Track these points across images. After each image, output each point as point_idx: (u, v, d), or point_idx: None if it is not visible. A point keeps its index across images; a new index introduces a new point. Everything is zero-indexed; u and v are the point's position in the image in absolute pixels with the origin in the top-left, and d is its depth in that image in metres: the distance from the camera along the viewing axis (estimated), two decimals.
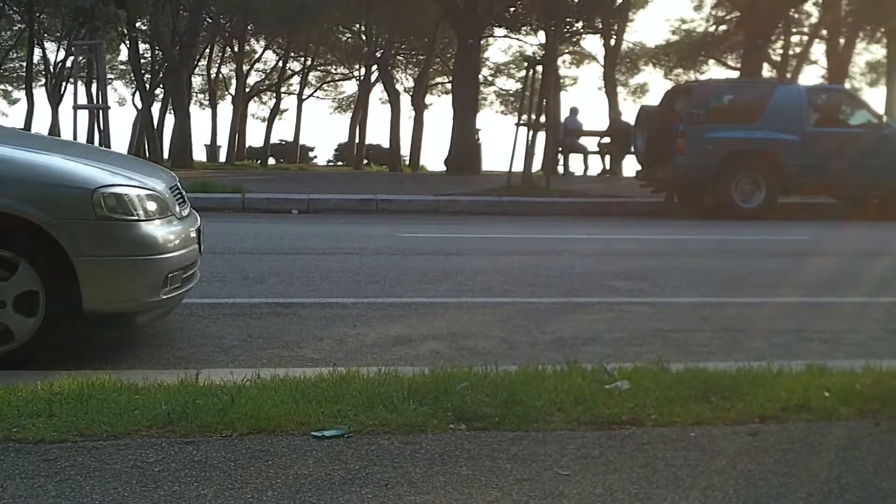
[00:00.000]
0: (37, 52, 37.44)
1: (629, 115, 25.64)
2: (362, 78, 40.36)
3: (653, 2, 65.55)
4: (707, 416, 3.43)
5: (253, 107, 46.04)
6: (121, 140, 37.42)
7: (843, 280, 7.35)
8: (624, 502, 2.72)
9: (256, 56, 42.44)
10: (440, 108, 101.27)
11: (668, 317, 5.82)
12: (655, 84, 56.24)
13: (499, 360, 4.19)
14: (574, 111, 23.09)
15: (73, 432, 3.12)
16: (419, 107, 35.96)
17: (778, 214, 12.85)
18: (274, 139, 43.50)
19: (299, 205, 13.10)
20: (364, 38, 35.99)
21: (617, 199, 14.47)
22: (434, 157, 64.93)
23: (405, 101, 37.59)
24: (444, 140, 43.75)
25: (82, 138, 18.54)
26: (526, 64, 17.09)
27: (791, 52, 31.29)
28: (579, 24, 26.41)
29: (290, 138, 43.71)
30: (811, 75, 57.82)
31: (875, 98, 58.28)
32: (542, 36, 28.77)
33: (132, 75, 33.47)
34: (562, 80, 35.28)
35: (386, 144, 36.71)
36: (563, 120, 22.84)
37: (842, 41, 25.91)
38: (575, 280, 7.17)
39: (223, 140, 40.14)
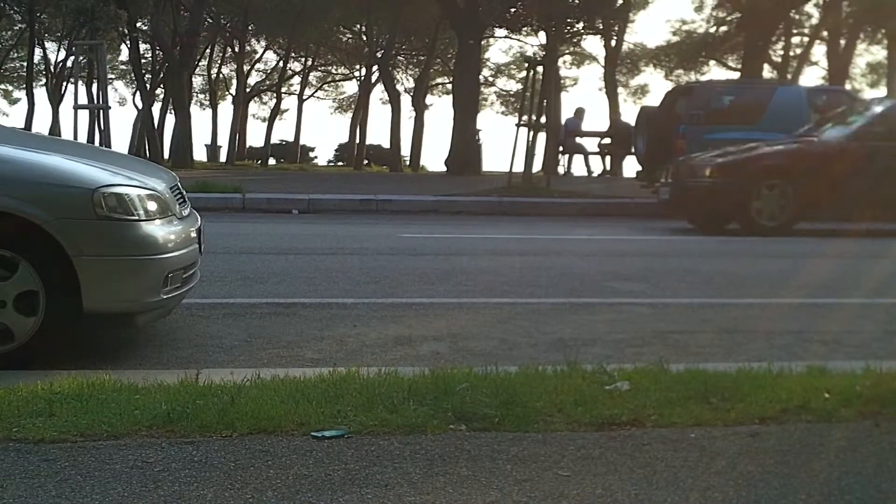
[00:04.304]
0: (37, 51, 37.49)
1: (630, 115, 25.65)
2: (363, 78, 40.43)
3: (653, 3, 65.52)
4: (707, 417, 3.43)
5: (253, 107, 46.13)
6: (121, 140, 37.48)
7: (844, 281, 7.35)
8: (624, 503, 2.72)
9: (257, 56, 42.53)
10: (441, 109, 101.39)
11: (668, 318, 5.82)
12: (656, 85, 56.32)
13: (499, 360, 4.19)
14: (578, 112, 22.98)
15: (73, 432, 3.12)
16: (420, 107, 35.99)
17: None
18: (274, 139, 43.57)
19: (300, 205, 13.10)
20: (364, 38, 36.03)
21: (617, 199, 14.47)
22: (434, 157, 64.96)
23: (406, 101, 37.67)
24: (444, 140, 43.84)
25: (83, 138, 18.55)
26: (526, 64, 17.10)
27: (792, 54, 31.33)
28: (580, 25, 26.37)
29: (291, 138, 43.75)
30: (812, 76, 57.87)
31: None
32: (542, 37, 28.75)
33: (133, 75, 33.50)
34: (562, 81, 35.31)
35: (386, 145, 36.73)
36: (564, 120, 22.81)
37: (842, 42, 25.94)
38: (575, 281, 7.17)
39: (223, 140, 40.21)
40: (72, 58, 28.36)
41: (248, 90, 41.67)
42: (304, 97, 44.75)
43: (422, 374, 3.78)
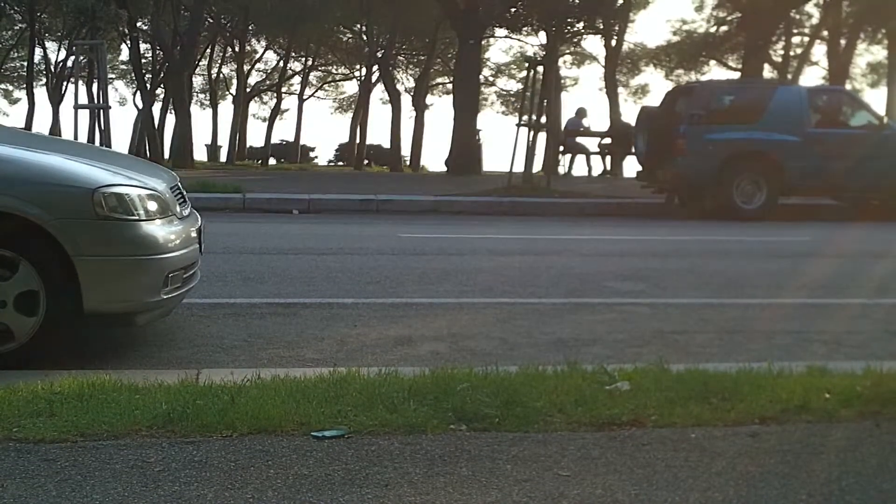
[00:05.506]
0: (38, 51, 37.46)
1: (630, 115, 25.62)
2: (363, 78, 40.37)
3: (654, 2, 65.47)
4: (707, 417, 3.44)
5: (254, 107, 46.10)
6: (121, 140, 37.45)
7: (844, 281, 7.35)
8: (624, 503, 2.72)
9: (257, 56, 42.51)
10: (441, 109, 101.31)
11: (668, 318, 5.82)
12: (656, 85, 56.26)
13: (499, 360, 4.19)
14: (580, 112, 22.95)
15: (73, 432, 3.12)
16: (420, 107, 35.96)
17: (778, 216, 12.84)
18: (275, 139, 43.52)
19: (300, 205, 13.10)
20: (365, 38, 35.99)
21: (618, 199, 14.47)
22: (435, 157, 64.85)
23: (406, 101, 37.62)
24: (444, 140, 43.73)
25: (83, 138, 18.54)
26: (527, 64, 17.08)
27: (792, 54, 31.28)
28: (580, 25, 26.37)
29: (291, 138, 43.71)
30: (812, 76, 57.86)
31: (876, 99, 58.27)
32: (542, 36, 28.75)
33: (133, 75, 33.48)
34: (563, 81, 35.28)
35: (387, 145, 36.71)
36: (565, 121, 22.79)
37: (843, 42, 25.92)
38: (575, 281, 7.17)
39: (224, 140, 40.21)
40: (72, 57, 28.40)
41: (248, 90, 41.66)
42: (305, 97, 44.74)
43: (422, 374, 3.79)
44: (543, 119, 15.97)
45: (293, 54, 40.47)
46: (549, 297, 6.43)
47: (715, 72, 33.70)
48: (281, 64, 41.67)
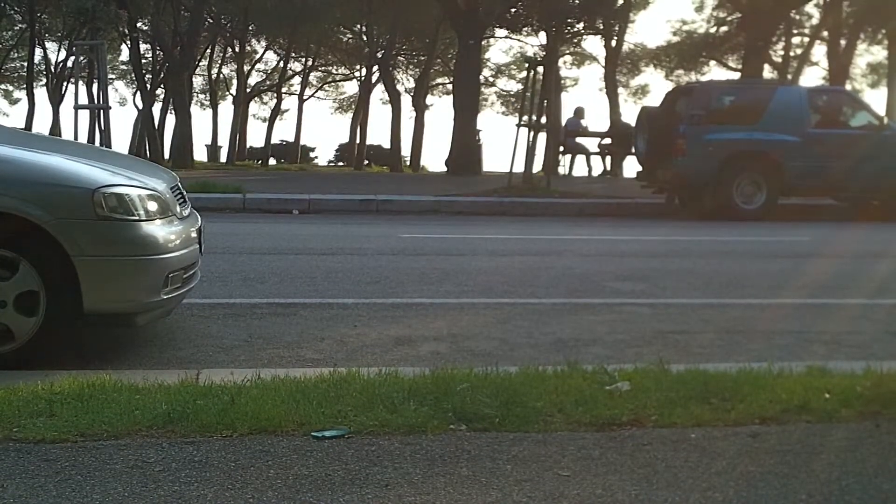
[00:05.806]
0: (38, 51, 37.44)
1: (630, 116, 25.62)
2: (363, 78, 40.39)
3: (654, 3, 65.45)
4: (707, 417, 3.44)
5: (254, 107, 46.11)
6: (122, 140, 37.52)
7: (844, 282, 7.35)
8: (624, 503, 2.72)
9: (257, 56, 42.51)
10: (441, 109, 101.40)
11: (668, 318, 5.82)
12: (656, 85, 56.29)
13: (499, 361, 4.19)
14: (578, 112, 22.95)
15: (73, 432, 3.12)
16: (420, 107, 35.96)
17: (778, 216, 12.85)
18: (275, 139, 43.53)
19: (300, 205, 13.10)
20: (365, 38, 36.01)
21: (618, 200, 14.47)
22: (435, 157, 64.88)
23: (406, 101, 37.62)
24: (444, 141, 43.72)
25: (83, 138, 18.54)
26: (527, 65, 17.09)
27: (792, 54, 31.29)
28: (580, 26, 26.40)
29: (291, 139, 43.72)
30: (812, 77, 57.87)
31: (876, 100, 58.27)
32: (543, 37, 28.76)
33: (133, 75, 33.50)
34: (563, 81, 35.28)
35: (387, 145, 36.72)
36: (564, 121, 22.80)
37: (843, 43, 25.93)
38: (575, 281, 7.17)
39: (224, 140, 40.23)
40: (72, 58, 28.41)
41: (248, 90, 41.66)
42: (305, 97, 44.73)
43: (422, 374, 3.79)
44: (543, 119, 15.97)
45: (293, 54, 40.47)
46: (549, 298, 6.43)
47: (715, 72, 33.72)
48: (281, 64, 41.68)
